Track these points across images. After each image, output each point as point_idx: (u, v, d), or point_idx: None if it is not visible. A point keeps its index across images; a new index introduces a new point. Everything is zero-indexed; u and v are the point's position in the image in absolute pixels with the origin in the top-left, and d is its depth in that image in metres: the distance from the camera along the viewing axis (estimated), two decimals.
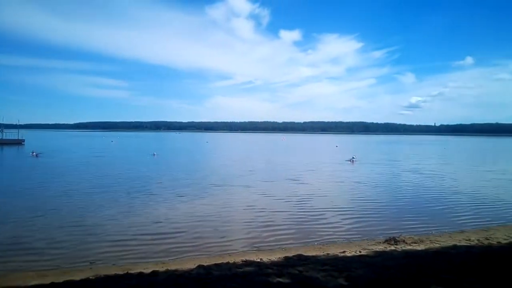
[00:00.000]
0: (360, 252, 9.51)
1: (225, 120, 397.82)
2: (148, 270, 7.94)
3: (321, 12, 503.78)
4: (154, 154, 48.56)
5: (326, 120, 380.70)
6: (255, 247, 11.09)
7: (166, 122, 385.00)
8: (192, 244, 11.26)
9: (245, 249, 10.93)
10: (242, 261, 8.54)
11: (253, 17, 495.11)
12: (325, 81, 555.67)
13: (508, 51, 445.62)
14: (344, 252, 9.60)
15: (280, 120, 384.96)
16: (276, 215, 15.19)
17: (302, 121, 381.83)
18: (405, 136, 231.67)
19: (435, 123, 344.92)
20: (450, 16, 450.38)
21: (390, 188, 22.87)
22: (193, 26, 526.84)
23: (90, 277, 7.48)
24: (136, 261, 9.67)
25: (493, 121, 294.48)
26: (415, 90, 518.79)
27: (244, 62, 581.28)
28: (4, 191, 19.96)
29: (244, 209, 16.20)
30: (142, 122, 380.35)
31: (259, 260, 8.66)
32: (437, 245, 10.13)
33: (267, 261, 8.37)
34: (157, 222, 13.64)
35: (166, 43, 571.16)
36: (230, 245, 11.27)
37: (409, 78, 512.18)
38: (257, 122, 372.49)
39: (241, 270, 7.25)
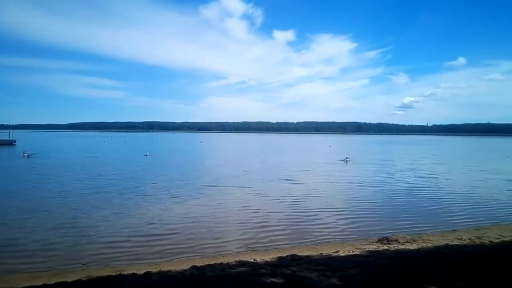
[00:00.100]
0: (353, 251, 9.55)
1: (219, 120, 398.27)
2: (141, 271, 7.90)
3: (314, 12, 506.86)
4: (147, 155, 48.38)
5: (319, 120, 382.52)
6: (249, 247, 11.09)
7: (160, 122, 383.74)
8: (186, 246, 11.22)
9: (239, 250, 10.92)
10: (236, 261, 8.54)
11: (247, 17, 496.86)
12: (318, 81, 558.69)
13: (500, 51, 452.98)
14: (337, 252, 9.63)
15: (273, 120, 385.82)
16: (270, 215, 15.19)
17: (295, 121, 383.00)
18: (398, 136, 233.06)
19: (427, 123, 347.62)
20: (442, 17, 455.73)
21: (384, 188, 23.00)
22: (187, 26, 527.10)
23: (83, 278, 7.44)
24: (129, 263, 9.63)
25: (485, 121, 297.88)
26: (408, 90, 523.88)
27: (238, 62, 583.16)
28: None
29: (238, 210, 16.18)
30: (135, 123, 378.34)
31: (252, 260, 8.66)
32: (430, 244, 10.20)
33: (261, 261, 8.37)
34: (150, 224, 13.58)
35: (160, 43, 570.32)
36: (224, 246, 11.25)
37: (402, 78, 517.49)
38: (251, 122, 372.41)
39: (234, 270, 7.24)
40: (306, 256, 8.79)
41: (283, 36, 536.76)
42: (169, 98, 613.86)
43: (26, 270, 9.03)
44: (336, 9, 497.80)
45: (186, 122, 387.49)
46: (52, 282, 7.23)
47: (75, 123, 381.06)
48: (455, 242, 10.38)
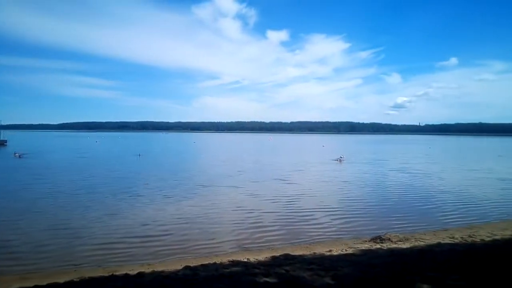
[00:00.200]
0: (346, 250, 9.60)
1: (213, 120, 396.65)
2: (134, 271, 7.86)
3: (308, 12, 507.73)
4: (139, 155, 48.16)
5: (313, 120, 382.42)
6: (243, 248, 11.09)
7: (153, 122, 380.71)
8: (180, 246, 11.18)
9: (233, 250, 10.92)
10: (229, 261, 8.53)
11: (240, 17, 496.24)
12: (312, 81, 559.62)
13: (491, 51, 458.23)
14: (330, 251, 9.67)
15: (267, 120, 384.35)
16: (264, 215, 15.20)
17: (289, 121, 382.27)
18: (391, 135, 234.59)
19: (420, 123, 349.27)
20: (435, 17, 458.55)
21: (377, 187, 23.13)
22: (181, 25, 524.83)
23: (75, 279, 7.38)
24: (122, 264, 9.57)
25: (477, 121, 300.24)
26: (401, 90, 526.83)
27: (231, 62, 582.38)
28: None
29: (232, 210, 16.17)
30: (128, 122, 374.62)
31: (246, 260, 8.66)
32: (422, 243, 10.27)
33: (254, 261, 8.37)
34: (144, 225, 13.50)
35: (154, 43, 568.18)
36: (218, 246, 11.24)
37: (395, 78, 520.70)
38: (244, 122, 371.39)
39: (228, 270, 7.23)
40: (300, 256, 8.81)
41: (277, 36, 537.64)
42: (162, 98, 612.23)
43: (18, 272, 8.95)
44: (330, 9, 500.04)
45: (180, 122, 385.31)
46: (44, 283, 7.16)
47: (67, 123, 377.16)
48: (447, 241, 10.47)
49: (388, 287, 5.64)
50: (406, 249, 9.36)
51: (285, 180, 25.86)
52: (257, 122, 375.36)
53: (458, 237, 11.06)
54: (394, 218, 14.83)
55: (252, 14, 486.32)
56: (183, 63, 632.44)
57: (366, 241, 11.24)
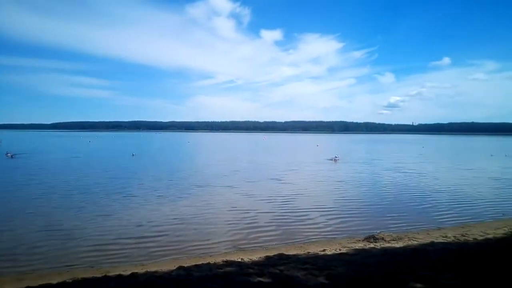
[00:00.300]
0: (340, 250, 9.63)
1: (207, 120, 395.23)
2: (127, 272, 7.83)
3: (302, 12, 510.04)
4: (133, 155, 47.92)
5: (307, 119, 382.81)
6: (238, 248, 11.08)
7: (147, 122, 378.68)
8: (175, 247, 11.14)
9: (228, 250, 10.90)
10: (223, 261, 8.52)
11: (234, 16, 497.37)
12: (306, 81, 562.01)
13: (484, 51, 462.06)
14: (324, 250, 9.69)
15: (261, 120, 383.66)
16: (259, 215, 15.19)
17: (283, 120, 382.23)
18: (384, 135, 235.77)
19: (413, 123, 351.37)
20: (428, 18, 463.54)
21: (372, 187, 23.21)
22: (174, 25, 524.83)
23: (67, 280, 7.34)
24: (116, 265, 9.52)
25: (469, 121, 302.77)
26: (394, 90, 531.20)
27: (225, 62, 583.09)
28: None
29: (227, 210, 16.14)
30: (121, 122, 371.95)
31: (240, 260, 8.66)
32: (415, 242, 10.34)
33: (248, 261, 8.37)
34: (138, 225, 13.42)
35: (148, 42, 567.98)
36: (213, 247, 11.21)
37: (388, 78, 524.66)
38: (239, 122, 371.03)
39: (221, 270, 7.23)
40: (294, 255, 8.83)
41: (271, 35, 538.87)
42: (156, 97, 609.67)
43: (10, 273, 8.87)
44: (323, 9, 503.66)
45: (174, 121, 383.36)
46: (36, 284, 7.12)
47: (60, 123, 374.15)
48: (440, 240, 10.55)
49: (381, 286, 5.67)
50: (400, 248, 9.41)
51: (280, 180, 25.87)
52: (251, 121, 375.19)
53: (451, 236, 11.14)
54: (388, 218, 14.90)
55: (246, 13, 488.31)
56: (177, 62, 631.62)
57: (359, 240, 11.28)
